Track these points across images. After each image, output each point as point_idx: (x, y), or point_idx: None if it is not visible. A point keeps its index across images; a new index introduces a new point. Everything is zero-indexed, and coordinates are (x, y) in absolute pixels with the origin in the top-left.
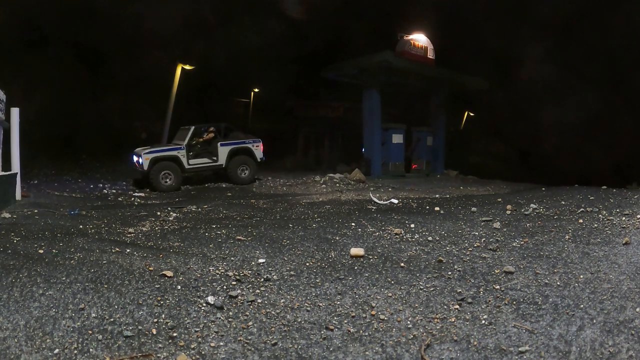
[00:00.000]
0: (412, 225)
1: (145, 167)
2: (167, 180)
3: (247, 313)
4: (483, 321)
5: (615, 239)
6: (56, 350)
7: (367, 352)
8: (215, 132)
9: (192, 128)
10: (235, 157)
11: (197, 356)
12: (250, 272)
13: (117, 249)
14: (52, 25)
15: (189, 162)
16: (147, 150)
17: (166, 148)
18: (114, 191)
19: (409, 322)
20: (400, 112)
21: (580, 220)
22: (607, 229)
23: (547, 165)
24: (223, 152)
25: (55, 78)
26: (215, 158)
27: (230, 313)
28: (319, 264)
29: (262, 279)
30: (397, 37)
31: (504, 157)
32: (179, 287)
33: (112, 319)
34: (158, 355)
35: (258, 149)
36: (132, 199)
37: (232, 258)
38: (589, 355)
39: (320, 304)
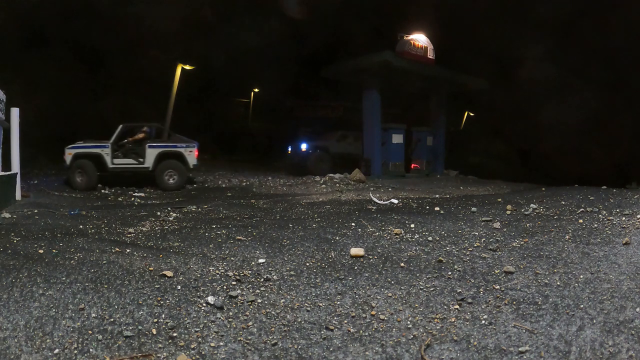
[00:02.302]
0: (412, 225)
1: (67, 162)
2: (77, 178)
3: (247, 313)
4: (483, 321)
5: (615, 239)
6: (56, 350)
7: (367, 352)
8: (148, 132)
9: (120, 127)
10: (164, 160)
11: (197, 356)
12: (250, 272)
13: (117, 249)
14: (52, 25)
15: (113, 161)
16: (72, 145)
17: (91, 145)
18: (114, 191)
19: (409, 322)
20: (400, 112)
21: (580, 220)
22: (607, 229)
23: (547, 165)
24: (151, 154)
25: (55, 78)
26: (141, 160)
27: (230, 313)
28: (319, 264)
29: (262, 279)
30: (397, 37)
31: (504, 157)
32: (179, 287)
33: (112, 319)
34: (158, 355)
35: (191, 155)
36: (132, 199)
37: (232, 258)
38: (589, 355)
39: (320, 304)
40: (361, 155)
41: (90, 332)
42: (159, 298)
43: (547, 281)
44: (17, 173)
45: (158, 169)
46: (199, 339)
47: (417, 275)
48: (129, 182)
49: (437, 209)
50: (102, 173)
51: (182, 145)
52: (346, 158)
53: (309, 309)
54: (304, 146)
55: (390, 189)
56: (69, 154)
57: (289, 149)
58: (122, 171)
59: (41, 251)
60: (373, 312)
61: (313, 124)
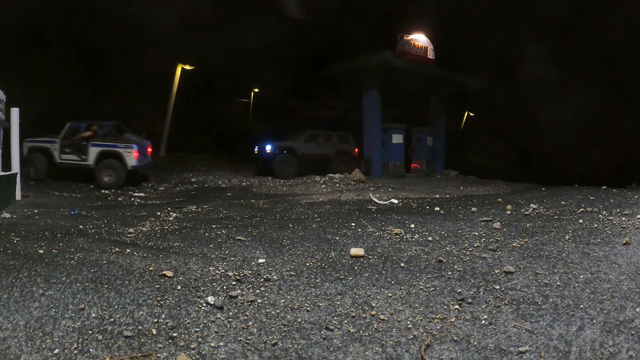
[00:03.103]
0: (412, 225)
1: (25, 153)
2: (31, 169)
3: (247, 313)
4: (483, 321)
5: (615, 239)
6: (56, 350)
7: (367, 352)
8: (97, 130)
9: (68, 124)
10: (104, 159)
11: (197, 356)
12: (250, 272)
13: (117, 249)
14: (52, 25)
15: (60, 157)
16: (29, 139)
17: (43, 140)
18: (114, 191)
19: (409, 322)
20: (400, 112)
21: (580, 220)
22: (607, 229)
23: (547, 165)
24: (93, 152)
25: (55, 78)
26: (84, 157)
27: (230, 313)
28: (319, 264)
29: (262, 279)
30: (397, 37)
31: (504, 157)
32: (179, 287)
33: (112, 319)
34: (158, 355)
35: (130, 156)
36: (132, 199)
37: (232, 258)
38: (589, 355)
39: (320, 304)
40: (332, 155)
41: (90, 332)
42: (159, 298)
43: (547, 281)
44: (17, 173)
45: (97, 166)
46: (199, 339)
47: (417, 275)
48: (79, 177)
49: (437, 209)
50: (51, 167)
51: (121, 146)
52: (315, 159)
53: (309, 309)
54: (268, 147)
55: (390, 189)
56: (26, 146)
57: (255, 150)
58: (68, 166)
59: (41, 251)
60: (373, 312)
61: (313, 124)
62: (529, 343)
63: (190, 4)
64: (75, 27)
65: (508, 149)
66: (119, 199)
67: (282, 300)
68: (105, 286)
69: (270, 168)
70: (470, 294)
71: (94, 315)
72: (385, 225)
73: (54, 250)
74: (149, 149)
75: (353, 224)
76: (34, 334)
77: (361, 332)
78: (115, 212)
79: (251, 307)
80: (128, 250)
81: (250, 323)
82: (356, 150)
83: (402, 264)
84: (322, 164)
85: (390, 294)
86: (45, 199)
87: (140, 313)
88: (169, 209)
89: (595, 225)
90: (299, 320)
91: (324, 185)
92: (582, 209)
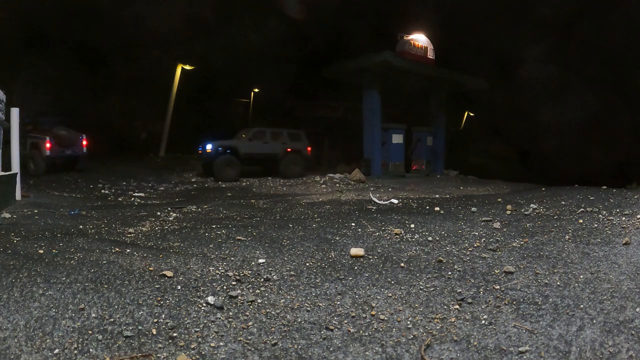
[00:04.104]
0: (412, 225)
1: None
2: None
3: (247, 313)
4: (483, 321)
5: (615, 239)
6: (56, 350)
7: (367, 352)
8: (36, 123)
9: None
10: (31, 149)
11: (197, 356)
12: (250, 272)
13: (117, 249)
14: (52, 25)
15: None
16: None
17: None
18: (114, 191)
19: (409, 322)
20: (400, 112)
21: (580, 220)
22: (607, 229)
23: (547, 165)
24: (28, 142)
25: (55, 78)
26: (25, 147)
27: (230, 313)
28: (319, 264)
29: (262, 279)
30: (397, 37)
31: (504, 157)
32: (179, 287)
33: (112, 319)
34: (158, 355)
35: (43, 146)
36: (132, 199)
37: (232, 258)
38: (589, 355)
39: (320, 304)
40: (279, 155)
41: (90, 332)
42: (159, 298)
43: (547, 281)
44: (17, 173)
45: (27, 155)
46: (199, 339)
47: (417, 275)
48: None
49: (437, 209)
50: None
51: (40, 137)
52: (261, 160)
53: (309, 309)
54: (209, 147)
55: (390, 189)
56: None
57: (199, 149)
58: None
59: (41, 251)
60: (373, 312)
61: (313, 124)
62: (529, 343)
63: (190, 4)
64: (75, 27)
65: (508, 149)
66: (119, 199)
67: (282, 300)
68: (105, 286)
69: (211, 169)
70: (470, 294)
71: (94, 315)
72: (385, 225)
73: (54, 250)
74: (84, 142)
75: (353, 224)
76: (34, 334)
77: (361, 332)
78: (115, 212)
79: (251, 307)
80: (128, 250)
81: (250, 323)
82: (309, 148)
83: (402, 264)
84: (269, 165)
85: (390, 294)
86: (45, 199)
87: (140, 313)
88: (169, 209)
89: (595, 225)
90: (299, 320)
91: (324, 185)
92: (582, 209)
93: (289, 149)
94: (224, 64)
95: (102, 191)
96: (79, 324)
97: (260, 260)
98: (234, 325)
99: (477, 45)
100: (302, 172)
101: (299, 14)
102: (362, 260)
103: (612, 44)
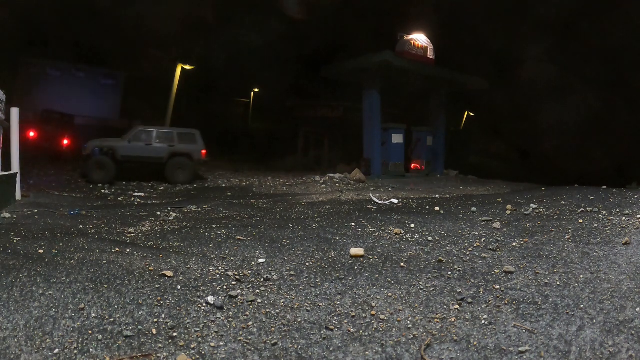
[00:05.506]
0: (412, 225)
1: None
2: None
3: (247, 313)
4: (483, 321)
5: (615, 239)
6: (56, 350)
7: (367, 352)
8: None
9: None
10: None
11: (197, 356)
12: (250, 272)
13: (117, 249)
14: (52, 25)
15: None
16: None
17: None
18: (114, 191)
19: (409, 322)
20: (400, 112)
21: (580, 220)
22: (607, 229)
23: (547, 165)
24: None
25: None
26: None
27: (230, 313)
28: (319, 264)
29: (262, 279)
30: (397, 37)
31: (504, 157)
32: (179, 287)
33: (112, 319)
34: (158, 355)
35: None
36: (132, 199)
37: (232, 258)
38: (589, 355)
39: (320, 304)
40: (164, 158)
41: (90, 332)
42: (159, 298)
43: (547, 281)
44: (17, 173)
45: None
46: (199, 339)
47: (417, 275)
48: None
49: (437, 209)
50: None
51: None
52: (144, 163)
53: (309, 309)
54: (87, 145)
55: (390, 189)
56: None
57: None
58: None
59: (41, 251)
60: (373, 312)
61: (313, 124)
62: (529, 343)
63: (190, 4)
64: (75, 27)
65: (508, 149)
66: (119, 199)
67: (282, 300)
68: (105, 286)
69: (86, 170)
70: (470, 294)
71: (94, 315)
72: (385, 225)
73: (54, 250)
74: None
75: (353, 224)
76: (34, 333)
77: (361, 332)
78: (115, 212)
79: (251, 307)
80: (128, 250)
81: (250, 323)
82: (203, 152)
83: (402, 264)
84: (152, 169)
85: (390, 294)
86: (45, 199)
87: (140, 313)
88: (169, 208)
89: (595, 225)
90: (299, 320)
91: (324, 185)
92: (582, 209)
93: (175, 152)
94: (224, 64)
95: (102, 191)
96: (79, 323)
97: (260, 260)
98: (234, 325)
99: (477, 45)
100: (191, 178)
101: (299, 14)
102: (362, 260)
103: (612, 44)
